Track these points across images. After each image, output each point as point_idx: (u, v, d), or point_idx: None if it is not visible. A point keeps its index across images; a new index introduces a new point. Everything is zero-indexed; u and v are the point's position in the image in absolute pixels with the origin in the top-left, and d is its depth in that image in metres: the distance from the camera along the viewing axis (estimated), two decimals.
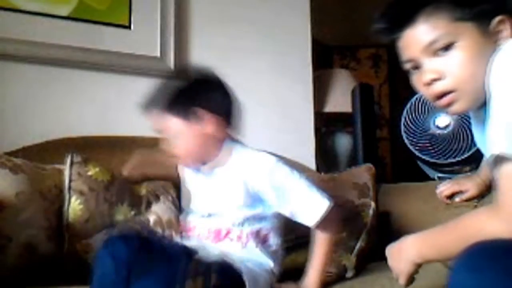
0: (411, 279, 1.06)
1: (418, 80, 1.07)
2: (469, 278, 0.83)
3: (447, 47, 1.01)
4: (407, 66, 1.08)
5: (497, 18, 1.01)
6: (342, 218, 1.46)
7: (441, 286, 1.50)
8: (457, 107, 1.04)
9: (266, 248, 1.41)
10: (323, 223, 1.37)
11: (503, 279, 0.79)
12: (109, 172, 1.60)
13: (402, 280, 1.05)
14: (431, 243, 1.02)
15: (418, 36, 1.03)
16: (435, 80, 1.03)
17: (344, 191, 1.91)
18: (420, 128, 2.39)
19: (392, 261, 1.08)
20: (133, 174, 1.62)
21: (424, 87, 1.06)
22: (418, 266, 1.03)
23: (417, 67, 1.07)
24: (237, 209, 1.39)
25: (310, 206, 1.37)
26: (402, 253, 1.04)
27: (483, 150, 1.20)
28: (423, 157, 2.40)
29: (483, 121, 1.05)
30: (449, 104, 1.05)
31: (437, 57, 1.02)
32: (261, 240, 1.41)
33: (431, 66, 1.03)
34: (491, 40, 1.01)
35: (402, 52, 1.08)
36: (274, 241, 1.44)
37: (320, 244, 1.40)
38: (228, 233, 1.39)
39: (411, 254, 1.02)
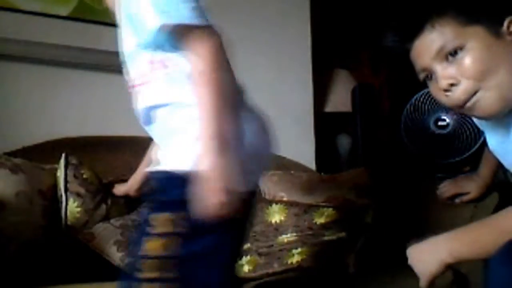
0: (433, 281, 1.02)
1: (435, 89, 1.04)
2: (506, 272, 0.83)
3: (457, 51, 0.99)
4: (422, 76, 1.06)
5: (510, 18, 0.99)
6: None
7: (443, 285, 1.51)
8: (485, 108, 1.00)
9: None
10: (182, 38, 1.00)
11: None
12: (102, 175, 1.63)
13: (424, 282, 1.02)
14: (465, 240, 0.99)
15: (427, 45, 1.01)
16: (452, 85, 1.00)
17: (344, 191, 1.91)
18: (420, 128, 2.39)
19: (415, 261, 1.04)
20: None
21: (443, 96, 1.03)
22: (446, 267, 1.00)
23: (431, 76, 1.04)
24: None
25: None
26: (430, 254, 1.01)
27: (500, 157, 1.16)
28: (423, 157, 2.40)
29: (508, 126, 1.03)
30: (476, 108, 1.00)
31: (448, 62, 1.00)
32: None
33: (444, 72, 1.00)
34: (505, 40, 0.98)
35: (415, 63, 1.06)
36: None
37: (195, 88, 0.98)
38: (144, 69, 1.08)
39: (441, 254, 0.99)
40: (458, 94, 1.00)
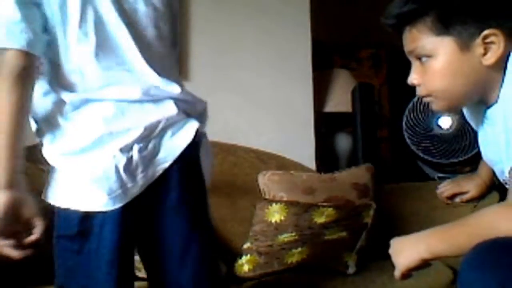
0: (408, 274, 1.04)
1: None
2: (475, 275, 0.84)
3: (426, 57, 1.05)
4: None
5: (485, 33, 1.00)
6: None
7: (443, 285, 1.51)
8: (435, 107, 1.13)
9: None
10: None
11: (508, 276, 0.80)
12: None
13: (398, 272, 1.04)
14: (442, 237, 1.01)
15: (406, 41, 1.09)
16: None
17: (344, 191, 1.91)
18: (422, 129, 2.39)
19: (395, 252, 1.06)
20: None
21: None
22: (424, 262, 1.01)
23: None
24: None
25: None
26: (410, 247, 1.03)
27: (481, 151, 1.20)
28: (425, 157, 2.40)
29: (482, 116, 1.10)
30: (430, 104, 1.13)
31: (420, 62, 1.07)
32: None
33: (414, 71, 1.09)
34: (473, 53, 1.01)
35: None
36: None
37: None
38: None
39: (420, 248, 1.01)
40: (418, 91, 1.11)
